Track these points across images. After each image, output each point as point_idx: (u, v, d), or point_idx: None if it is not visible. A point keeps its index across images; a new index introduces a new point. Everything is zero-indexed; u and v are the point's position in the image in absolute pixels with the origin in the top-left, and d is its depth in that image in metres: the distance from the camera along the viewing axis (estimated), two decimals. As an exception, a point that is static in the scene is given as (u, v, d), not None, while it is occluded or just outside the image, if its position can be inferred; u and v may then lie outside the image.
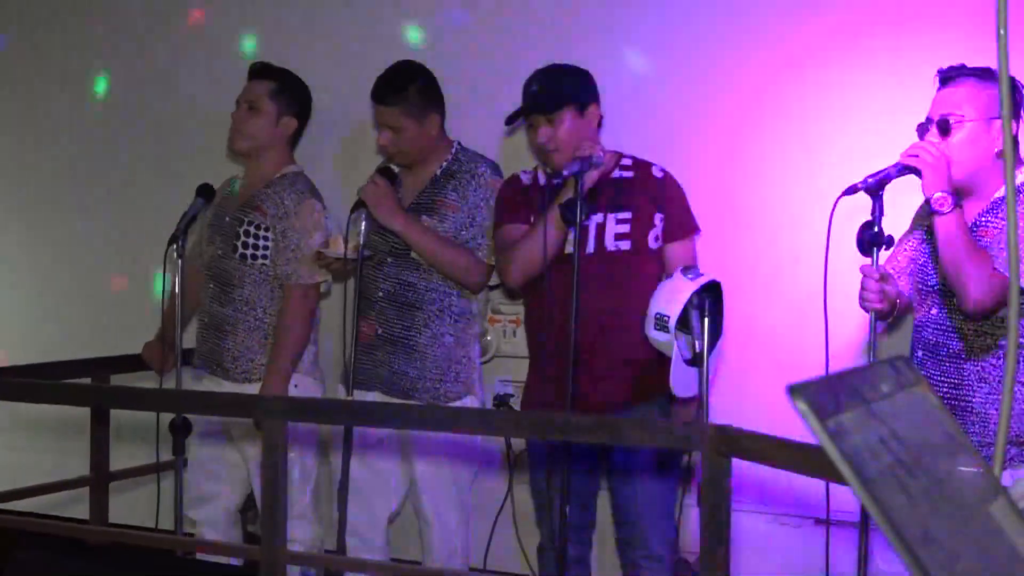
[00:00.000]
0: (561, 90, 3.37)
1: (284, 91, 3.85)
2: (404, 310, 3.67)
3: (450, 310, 3.69)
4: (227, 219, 3.83)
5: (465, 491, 3.82)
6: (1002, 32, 1.25)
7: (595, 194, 3.33)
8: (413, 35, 4.29)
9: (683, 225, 3.44)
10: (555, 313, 3.24)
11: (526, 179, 3.54)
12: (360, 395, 3.67)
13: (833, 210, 2.71)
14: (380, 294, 3.67)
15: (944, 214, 2.70)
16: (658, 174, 3.45)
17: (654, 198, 3.40)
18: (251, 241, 3.76)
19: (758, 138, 3.82)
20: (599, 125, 3.47)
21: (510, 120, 3.44)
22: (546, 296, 3.25)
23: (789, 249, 3.70)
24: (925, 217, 2.97)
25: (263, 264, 3.77)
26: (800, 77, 3.76)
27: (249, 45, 4.55)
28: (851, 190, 2.76)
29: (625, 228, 3.38)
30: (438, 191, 3.69)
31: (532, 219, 3.40)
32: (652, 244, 3.39)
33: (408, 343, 3.67)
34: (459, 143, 3.77)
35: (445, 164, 3.72)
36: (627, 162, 3.47)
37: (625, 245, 3.37)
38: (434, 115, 3.68)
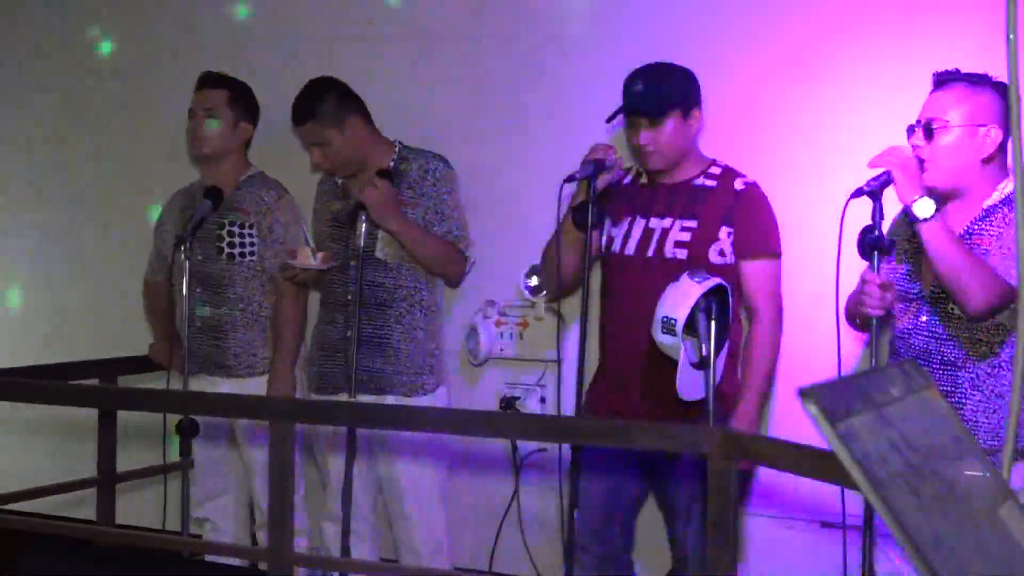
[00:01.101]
0: (667, 94, 3.25)
1: (238, 98, 3.99)
2: (374, 310, 3.71)
3: (420, 305, 3.75)
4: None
5: (444, 489, 3.84)
6: (1011, 36, 1.26)
7: (668, 199, 3.31)
8: None
9: (755, 242, 3.28)
10: (623, 316, 3.20)
11: (620, 175, 3.36)
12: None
13: (844, 213, 2.70)
14: (349, 297, 3.68)
15: (926, 220, 2.65)
16: (739, 186, 3.31)
17: (726, 210, 3.28)
18: (236, 240, 3.87)
19: (764, 141, 3.81)
20: (698, 130, 3.38)
21: (611, 118, 3.31)
22: (612, 298, 3.22)
23: (796, 253, 3.70)
24: (905, 224, 2.95)
25: (251, 260, 3.88)
26: (806, 78, 3.75)
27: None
28: (858, 193, 2.75)
29: (686, 236, 3.27)
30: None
31: (621, 216, 3.36)
32: (714, 258, 3.25)
33: (381, 341, 3.71)
34: (401, 142, 3.81)
35: (392, 164, 3.76)
36: (715, 171, 3.36)
37: (682, 254, 3.26)
38: (354, 118, 3.73)
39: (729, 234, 3.27)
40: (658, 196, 3.34)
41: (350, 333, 3.64)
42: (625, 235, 3.34)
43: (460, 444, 3.99)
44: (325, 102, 3.71)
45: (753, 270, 3.28)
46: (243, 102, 4.00)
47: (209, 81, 4.01)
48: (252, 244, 3.88)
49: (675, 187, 3.34)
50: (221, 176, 3.95)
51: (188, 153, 4.18)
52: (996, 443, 2.72)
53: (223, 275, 3.87)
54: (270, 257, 3.87)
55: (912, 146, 2.80)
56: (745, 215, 3.29)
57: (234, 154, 3.99)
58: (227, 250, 3.87)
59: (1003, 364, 2.77)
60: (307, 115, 3.71)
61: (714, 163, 3.39)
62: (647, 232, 3.32)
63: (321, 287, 3.89)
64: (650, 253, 3.29)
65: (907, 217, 2.76)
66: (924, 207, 2.66)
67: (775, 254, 3.34)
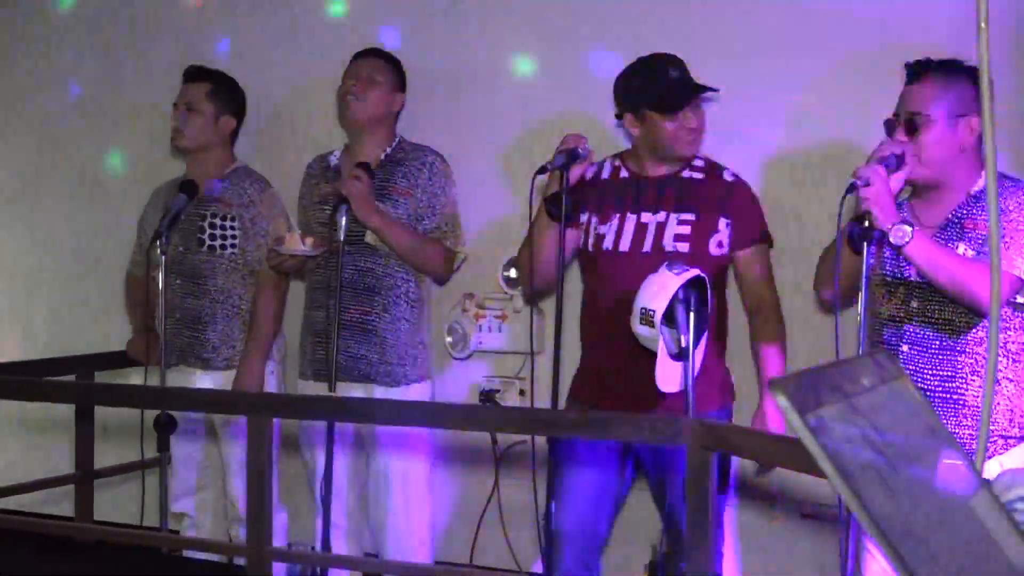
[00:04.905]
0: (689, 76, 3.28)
1: (220, 91, 3.98)
2: (362, 296, 3.70)
3: (407, 295, 3.74)
4: (183, 217, 3.84)
5: (428, 482, 3.84)
6: (983, 25, 1.25)
7: (657, 193, 3.28)
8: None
9: (754, 230, 3.31)
10: (621, 313, 3.13)
11: (593, 170, 3.37)
12: (317, 387, 3.69)
13: (841, 207, 2.67)
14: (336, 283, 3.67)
15: (908, 243, 2.65)
16: (728, 178, 3.32)
17: (721, 202, 3.27)
18: (217, 232, 3.86)
19: (758, 134, 3.79)
20: None
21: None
22: (599, 290, 3.19)
23: (790, 246, 3.69)
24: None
25: (232, 253, 3.87)
26: (799, 68, 3.75)
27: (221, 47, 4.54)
28: (852, 188, 2.72)
29: (686, 229, 3.25)
30: (387, 177, 3.73)
31: (608, 212, 3.32)
32: (713, 250, 3.25)
33: (367, 327, 3.69)
34: (402, 136, 3.86)
35: (389, 150, 3.79)
36: (699, 163, 3.34)
37: (684, 247, 3.23)
38: (400, 96, 3.84)
39: (727, 225, 3.27)
40: (646, 190, 3.30)
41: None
42: (617, 231, 3.30)
43: (446, 438, 3.98)
44: (396, 65, 3.85)
45: (754, 258, 3.31)
46: (225, 95, 3.98)
47: (191, 74, 4.01)
48: (234, 236, 3.86)
49: (663, 180, 3.31)
50: (205, 169, 3.93)
51: (171, 146, 4.15)
52: (993, 428, 2.72)
53: (203, 267, 3.86)
54: (252, 250, 3.86)
55: (896, 141, 2.79)
56: (742, 205, 3.30)
57: (216, 148, 3.97)
58: (208, 242, 3.85)
59: (1004, 349, 2.77)
60: (379, 56, 3.84)
61: (695, 156, 3.36)
62: (640, 227, 3.28)
63: (307, 274, 3.86)
64: (646, 248, 3.26)
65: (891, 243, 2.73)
66: (899, 234, 2.65)
67: (771, 241, 3.38)
